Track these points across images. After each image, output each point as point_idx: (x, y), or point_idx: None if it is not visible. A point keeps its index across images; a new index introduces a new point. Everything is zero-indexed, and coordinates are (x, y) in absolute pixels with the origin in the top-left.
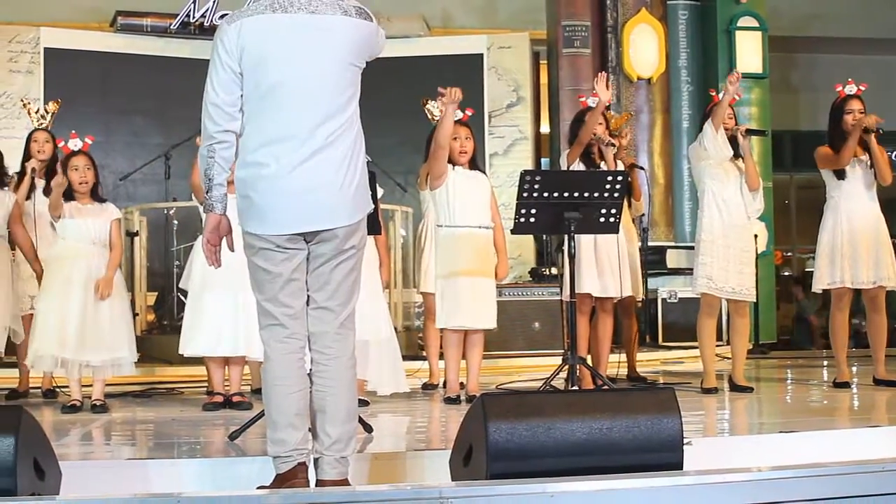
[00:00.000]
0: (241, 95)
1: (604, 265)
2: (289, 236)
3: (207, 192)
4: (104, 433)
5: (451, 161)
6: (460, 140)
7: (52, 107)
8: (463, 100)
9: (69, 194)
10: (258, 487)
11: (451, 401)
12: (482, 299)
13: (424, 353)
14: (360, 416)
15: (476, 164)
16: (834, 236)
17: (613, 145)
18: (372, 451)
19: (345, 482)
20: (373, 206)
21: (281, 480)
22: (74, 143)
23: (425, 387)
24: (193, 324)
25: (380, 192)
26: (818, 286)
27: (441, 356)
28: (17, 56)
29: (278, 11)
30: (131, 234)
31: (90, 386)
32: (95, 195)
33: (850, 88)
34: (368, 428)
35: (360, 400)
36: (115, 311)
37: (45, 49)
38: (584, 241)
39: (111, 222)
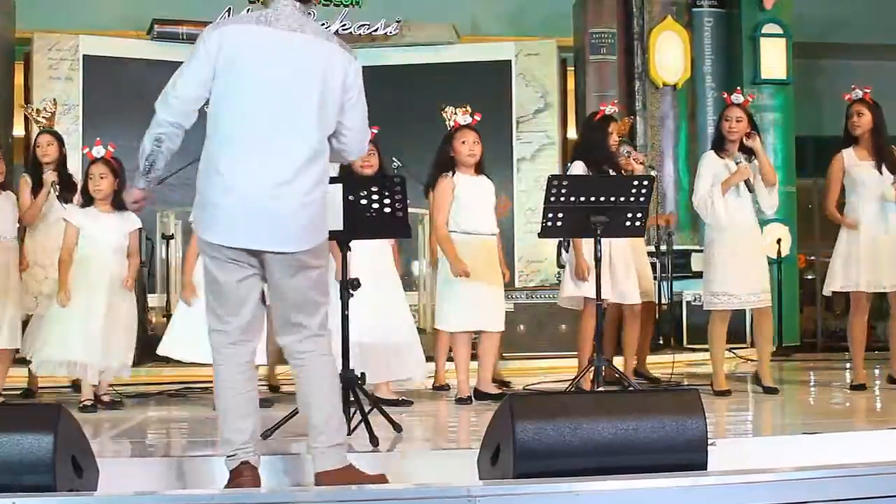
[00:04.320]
0: (207, 100)
1: (617, 270)
2: (242, 250)
3: (146, 174)
4: (140, 431)
5: (458, 166)
6: (468, 144)
7: (51, 106)
8: (491, 106)
9: (90, 200)
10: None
11: (462, 401)
12: (492, 302)
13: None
14: (390, 417)
15: (482, 168)
16: (850, 240)
17: (648, 166)
18: (403, 449)
19: (349, 468)
20: (392, 215)
21: (230, 478)
22: (97, 151)
23: (435, 388)
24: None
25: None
26: (829, 288)
27: (450, 359)
28: (56, 63)
29: (262, 24)
30: (166, 238)
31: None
32: (117, 204)
33: (856, 94)
34: (398, 427)
35: (403, 400)
36: (128, 319)
37: (84, 56)
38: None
39: (130, 233)
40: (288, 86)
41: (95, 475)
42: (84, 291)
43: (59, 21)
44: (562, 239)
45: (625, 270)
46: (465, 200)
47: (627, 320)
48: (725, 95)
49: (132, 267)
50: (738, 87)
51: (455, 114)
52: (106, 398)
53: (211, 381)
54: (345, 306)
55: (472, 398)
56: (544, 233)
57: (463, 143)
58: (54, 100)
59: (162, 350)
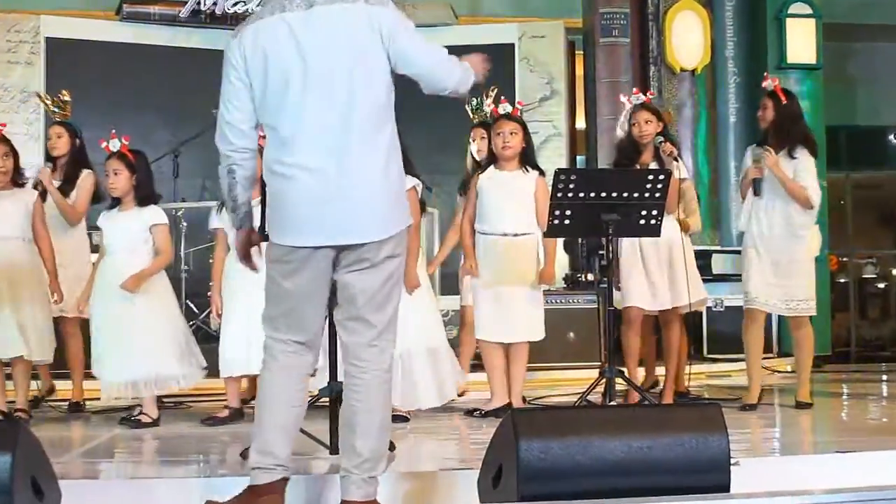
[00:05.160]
0: (255, 109)
1: (653, 274)
2: (311, 248)
3: (233, 212)
4: (107, 450)
5: (497, 161)
6: (503, 135)
7: (64, 96)
8: (492, 93)
9: (115, 200)
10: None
11: (496, 412)
12: (519, 309)
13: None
14: None
15: (528, 160)
16: None
17: (677, 160)
18: (397, 470)
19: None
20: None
21: (255, 494)
22: (113, 144)
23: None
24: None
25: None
26: None
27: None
28: (15, 46)
29: (276, 13)
30: None
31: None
32: (139, 199)
33: None
34: (391, 446)
35: (399, 416)
36: (155, 321)
37: (46, 39)
38: (628, 248)
39: (152, 227)
40: (320, 67)
41: (57, 498)
42: (107, 301)
43: (17, 0)
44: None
45: (658, 272)
46: (489, 197)
47: (665, 327)
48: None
49: (151, 264)
50: (766, 74)
51: (478, 108)
52: (146, 418)
53: (187, 397)
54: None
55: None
56: (551, 232)
57: (498, 134)
58: (64, 90)
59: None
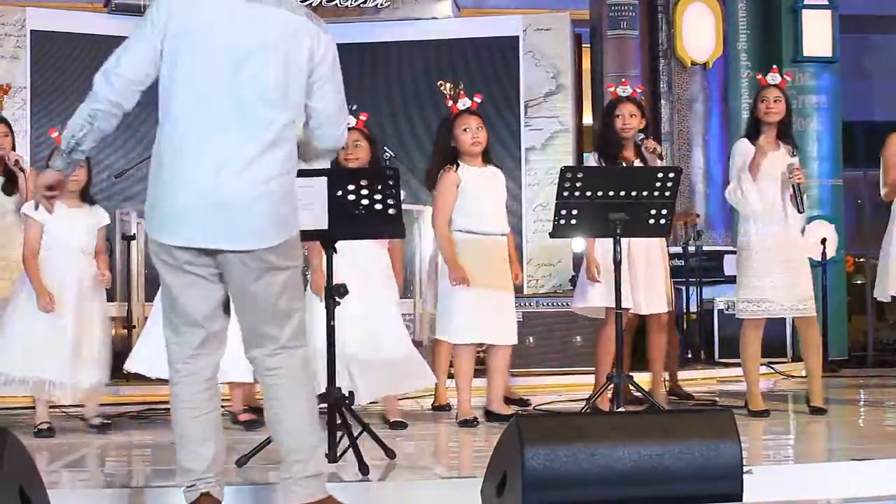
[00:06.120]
0: (155, 78)
1: (637, 277)
2: (195, 250)
3: (69, 153)
4: (98, 459)
5: (462, 157)
6: (471, 131)
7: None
8: (496, 88)
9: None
10: None
11: (467, 423)
12: (503, 311)
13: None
14: (382, 441)
15: (489, 157)
16: None
17: (660, 156)
18: (396, 478)
19: (329, 501)
20: (385, 212)
21: None
22: None
23: (435, 408)
24: None
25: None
26: (889, 292)
27: (451, 375)
28: (0, 40)
29: None
30: (128, 238)
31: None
32: (86, 197)
33: None
34: (391, 454)
35: (398, 423)
36: (101, 328)
37: (32, 31)
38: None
39: (99, 229)
40: (244, 61)
41: None
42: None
43: None
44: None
45: (645, 275)
46: (471, 196)
47: (653, 332)
48: (760, 77)
49: (102, 263)
50: (775, 66)
51: (452, 90)
52: (96, 421)
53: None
54: (330, 316)
55: (477, 420)
56: (556, 232)
57: (465, 130)
58: (5, 85)
59: (131, 365)
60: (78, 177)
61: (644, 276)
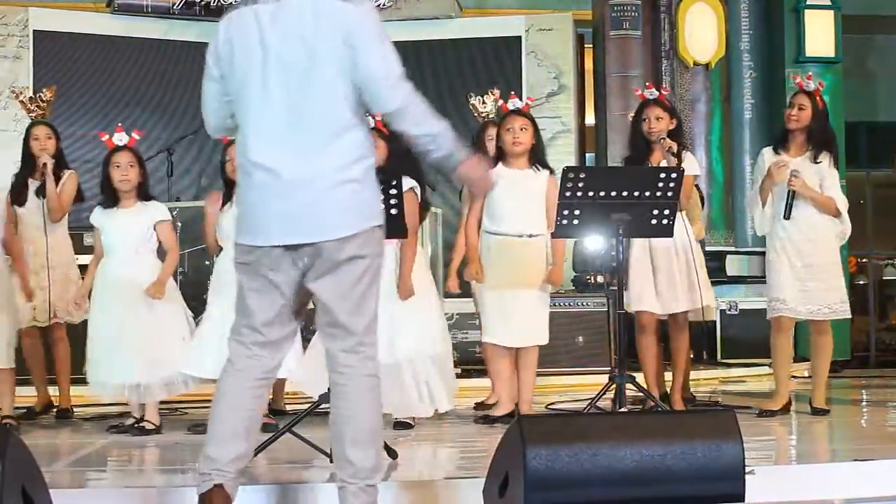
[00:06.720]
0: (229, 101)
1: (661, 277)
2: (271, 248)
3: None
4: (101, 458)
5: (506, 158)
6: (513, 132)
7: (47, 94)
8: (499, 88)
9: (112, 196)
10: None
11: (500, 419)
12: (522, 312)
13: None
14: (384, 442)
15: (538, 158)
16: None
17: (675, 154)
18: (399, 479)
19: None
20: (387, 213)
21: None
22: (119, 138)
23: (478, 406)
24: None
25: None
26: None
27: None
28: (2, 40)
29: (249, 3)
30: None
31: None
32: (142, 195)
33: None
34: (393, 454)
35: (403, 423)
36: (166, 323)
37: (35, 32)
38: (638, 250)
39: (157, 224)
40: (278, 62)
41: None
42: (107, 299)
43: None
44: None
45: (667, 275)
46: (497, 196)
47: (671, 332)
48: (797, 79)
49: (166, 266)
50: (810, 73)
51: (483, 103)
52: (149, 425)
53: (181, 403)
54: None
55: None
56: (559, 232)
57: (508, 130)
58: (51, 87)
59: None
60: (129, 176)
61: (670, 277)
